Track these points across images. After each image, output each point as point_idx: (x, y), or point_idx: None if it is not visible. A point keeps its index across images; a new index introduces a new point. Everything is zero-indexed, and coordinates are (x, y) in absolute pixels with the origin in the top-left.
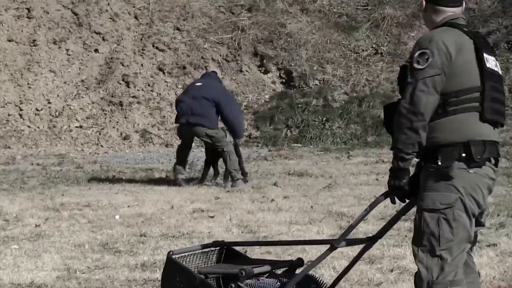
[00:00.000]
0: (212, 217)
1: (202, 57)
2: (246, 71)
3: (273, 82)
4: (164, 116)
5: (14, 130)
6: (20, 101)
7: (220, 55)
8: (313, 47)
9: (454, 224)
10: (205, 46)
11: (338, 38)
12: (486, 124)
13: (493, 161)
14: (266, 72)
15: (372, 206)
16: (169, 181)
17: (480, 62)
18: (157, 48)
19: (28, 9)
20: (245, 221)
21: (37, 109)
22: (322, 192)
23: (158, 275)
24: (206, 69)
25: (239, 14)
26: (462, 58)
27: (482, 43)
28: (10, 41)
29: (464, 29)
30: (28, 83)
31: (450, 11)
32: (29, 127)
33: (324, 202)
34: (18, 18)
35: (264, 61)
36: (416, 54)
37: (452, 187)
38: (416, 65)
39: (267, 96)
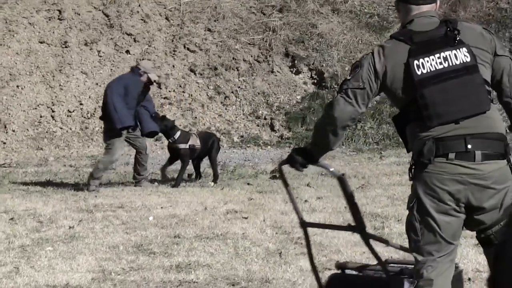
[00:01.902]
0: (246, 218)
1: (233, 58)
2: (278, 71)
3: (305, 83)
4: (195, 117)
5: (46, 132)
6: (52, 102)
7: (251, 56)
8: (344, 48)
9: (417, 224)
10: (236, 47)
11: (370, 38)
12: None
13: (452, 156)
14: (297, 72)
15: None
16: (202, 182)
17: (408, 72)
18: (188, 49)
19: (59, 11)
20: (279, 222)
21: (69, 111)
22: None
23: (193, 276)
24: (238, 70)
25: (270, 14)
26: (392, 73)
27: (420, 47)
28: (41, 42)
29: (410, 35)
30: (60, 85)
31: (416, 9)
32: (61, 128)
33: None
34: (50, 19)
35: (296, 61)
36: (352, 65)
37: (413, 188)
38: (347, 76)
39: (298, 97)
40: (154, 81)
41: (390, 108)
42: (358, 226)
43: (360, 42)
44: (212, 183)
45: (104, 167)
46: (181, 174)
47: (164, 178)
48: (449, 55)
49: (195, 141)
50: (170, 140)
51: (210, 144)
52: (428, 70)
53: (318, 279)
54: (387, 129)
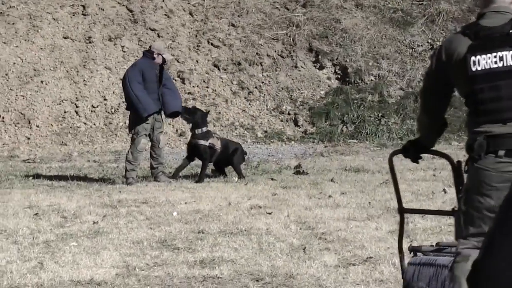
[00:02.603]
0: (270, 213)
1: (257, 53)
2: (301, 67)
3: (328, 78)
4: (219, 112)
5: (70, 127)
6: (76, 98)
7: (275, 51)
8: (368, 43)
9: (462, 216)
10: (260, 42)
11: (393, 33)
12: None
13: (501, 153)
14: (321, 68)
15: None
16: (226, 178)
17: (465, 67)
18: (212, 44)
19: (83, 6)
20: (303, 217)
21: (93, 106)
22: (379, 188)
23: (217, 271)
24: (261, 65)
25: (294, 10)
26: (454, 66)
27: (480, 43)
28: (65, 38)
29: (476, 30)
30: (84, 80)
31: (491, 3)
32: (85, 124)
33: (381, 198)
34: (74, 15)
35: (319, 57)
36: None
37: (466, 181)
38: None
39: (322, 92)
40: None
41: (414, 104)
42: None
43: (383, 37)
44: (236, 179)
45: (134, 158)
46: (204, 171)
47: (175, 177)
48: (506, 55)
49: (215, 142)
50: (192, 132)
51: (231, 151)
52: (483, 68)
53: (402, 264)
54: (411, 124)
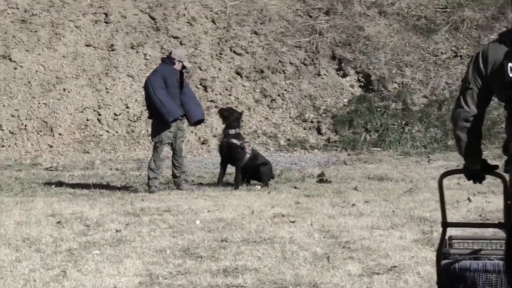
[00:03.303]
0: (293, 222)
1: (279, 61)
2: (324, 74)
3: (352, 86)
4: (242, 120)
5: (93, 135)
6: (99, 106)
7: (298, 59)
8: (391, 50)
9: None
10: (282, 49)
11: (417, 41)
12: None
13: None
14: (344, 75)
15: None
16: (249, 186)
17: (502, 73)
18: (234, 52)
19: (106, 14)
20: (326, 226)
21: (115, 114)
22: (403, 196)
23: (240, 280)
24: (284, 73)
25: (317, 17)
26: (492, 72)
27: None
28: (88, 46)
29: None
30: (106, 88)
31: None
32: (107, 132)
33: (405, 207)
34: (96, 23)
35: (342, 64)
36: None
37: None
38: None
39: (345, 100)
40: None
41: (438, 111)
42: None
43: (407, 44)
44: (259, 187)
45: (157, 166)
46: (238, 173)
47: (220, 184)
48: None
49: (246, 146)
50: (225, 132)
51: (260, 163)
52: None
53: (438, 267)
54: (435, 132)
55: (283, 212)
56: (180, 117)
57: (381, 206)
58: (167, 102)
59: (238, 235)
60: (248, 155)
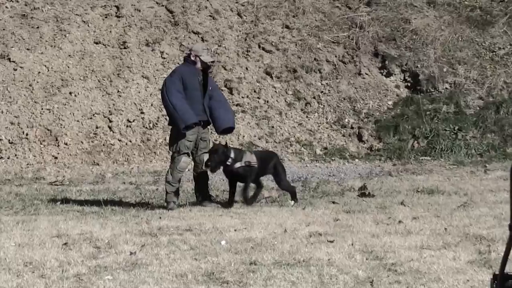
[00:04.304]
0: (332, 241)
1: (315, 59)
2: (366, 74)
3: (397, 86)
4: (272, 127)
5: (103, 145)
6: (110, 111)
7: (336, 56)
8: (442, 46)
9: None
10: (318, 46)
11: (471, 34)
12: None
13: None
14: (388, 74)
15: None
16: (280, 202)
17: None
18: (263, 49)
19: (117, 7)
20: (369, 246)
21: (128, 121)
22: (456, 211)
23: None
24: (320, 72)
25: (357, 9)
26: None
27: None
28: (97, 43)
29: None
30: (118, 91)
31: None
32: (120, 140)
33: (459, 224)
34: (106, 17)
35: (386, 62)
36: None
37: None
38: None
39: (390, 103)
40: (210, 63)
41: (495, 115)
42: None
43: (460, 39)
44: (292, 202)
45: (175, 179)
46: (247, 192)
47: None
48: None
49: (251, 158)
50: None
51: (272, 165)
52: None
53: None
54: (492, 138)
55: (320, 230)
56: (194, 124)
57: (432, 223)
58: (180, 107)
59: (269, 257)
60: (256, 166)
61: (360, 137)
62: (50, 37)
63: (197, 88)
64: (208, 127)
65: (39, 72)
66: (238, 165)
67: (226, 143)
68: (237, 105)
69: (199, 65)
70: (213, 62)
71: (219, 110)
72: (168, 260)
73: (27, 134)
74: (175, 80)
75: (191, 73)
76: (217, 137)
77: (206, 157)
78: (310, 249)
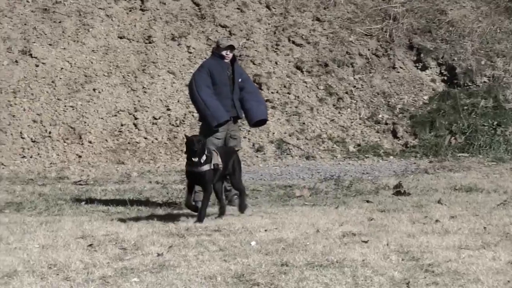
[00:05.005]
0: (366, 242)
1: (347, 52)
2: (400, 67)
3: (433, 80)
4: (303, 123)
5: (128, 143)
6: (135, 108)
7: (369, 49)
8: (479, 38)
9: None
10: (350, 39)
11: (510, 26)
12: None
13: None
14: (424, 68)
15: None
16: (313, 200)
17: None
18: (293, 42)
19: (142, 0)
20: (405, 246)
21: (154, 118)
22: (496, 210)
23: None
24: (353, 66)
25: (391, 0)
26: None
27: None
28: (121, 38)
29: None
30: (143, 87)
31: None
32: (145, 138)
33: (499, 223)
34: (130, 11)
35: (422, 55)
36: None
37: None
38: None
39: (425, 97)
40: (232, 49)
41: None
42: None
43: (498, 30)
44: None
45: None
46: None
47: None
48: None
49: (217, 160)
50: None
51: (231, 163)
52: None
53: None
54: None
55: (354, 230)
56: (225, 121)
57: (470, 222)
58: (211, 104)
59: (301, 258)
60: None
61: (394, 133)
62: (73, 32)
63: (226, 82)
64: (239, 122)
65: (61, 68)
66: (206, 167)
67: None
68: (266, 100)
69: (228, 58)
70: (230, 46)
71: (251, 102)
72: (197, 262)
73: (50, 132)
74: (204, 75)
75: (220, 67)
76: (246, 133)
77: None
78: (344, 250)
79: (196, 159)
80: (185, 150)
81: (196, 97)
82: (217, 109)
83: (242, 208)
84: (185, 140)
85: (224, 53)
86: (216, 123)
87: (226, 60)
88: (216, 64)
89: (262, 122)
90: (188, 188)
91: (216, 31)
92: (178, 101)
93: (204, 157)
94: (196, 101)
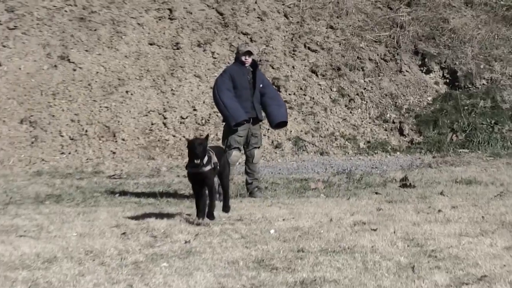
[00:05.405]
0: (375, 230)
1: (358, 57)
2: (406, 71)
3: (436, 83)
4: (318, 122)
5: (158, 140)
6: (164, 108)
7: (378, 55)
8: (479, 44)
9: None
10: (361, 45)
11: (507, 33)
12: None
13: None
14: (428, 71)
15: None
16: (326, 192)
17: None
18: (309, 48)
19: (170, 10)
20: (410, 234)
21: (182, 117)
22: (493, 201)
23: None
24: (363, 70)
25: (398, 9)
26: None
27: None
28: (151, 44)
29: None
30: (172, 89)
31: None
32: (174, 136)
33: (496, 212)
34: (160, 19)
35: (426, 60)
36: None
37: None
38: None
39: (429, 98)
40: (249, 55)
41: None
42: None
43: (496, 37)
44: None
45: None
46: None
47: None
48: None
49: (214, 158)
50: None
51: (222, 161)
52: None
53: None
54: None
55: (364, 219)
56: (244, 121)
57: (470, 212)
58: (230, 105)
59: (316, 245)
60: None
61: (401, 131)
62: (107, 39)
63: (246, 86)
64: (260, 123)
65: (97, 72)
66: (208, 167)
67: (207, 134)
68: (284, 101)
69: (248, 63)
70: (248, 52)
71: (272, 106)
72: (221, 248)
73: (86, 131)
74: (225, 79)
75: (241, 72)
76: (265, 131)
77: (257, 151)
78: (355, 237)
79: (198, 161)
80: (187, 153)
81: (217, 99)
82: (236, 110)
83: (226, 208)
84: (187, 143)
85: (243, 58)
86: (234, 123)
87: (246, 65)
88: (238, 69)
89: (283, 124)
90: (196, 195)
91: (238, 38)
92: (204, 102)
93: (206, 158)
94: (217, 103)
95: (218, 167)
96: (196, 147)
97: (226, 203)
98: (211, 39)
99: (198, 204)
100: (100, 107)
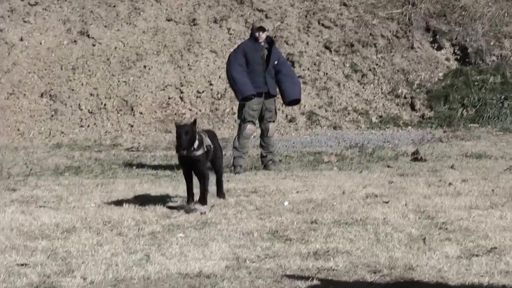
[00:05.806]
0: (387, 202)
1: (370, 34)
2: (418, 47)
3: (447, 59)
4: (331, 97)
5: (175, 114)
6: (181, 83)
7: (390, 31)
8: (489, 21)
9: None
10: (373, 22)
11: None
12: None
13: None
14: (439, 48)
15: None
16: (339, 165)
17: None
18: (323, 25)
19: None
20: (422, 206)
21: (198, 92)
22: (503, 174)
23: (332, 263)
24: (375, 46)
25: None
26: None
27: None
28: (169, 20)
29: None
30: (189, 64)
31: None
32: (190, 110)
33: (505, 185)
34: None
35: (437, 36)
36: None
37: None
38: None
39: (440, 74)
40: (263, 31)
41: None
42: None
43: (506, 14)
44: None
45: (241, 145)
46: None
47: None
48: None
49: (207, 141)
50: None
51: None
52: None
53: None
54: None
55: (376, 192)
56: (252, 96)
57: (480, 185)
58: (239, 80)
59: (329, 217)
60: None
61: (412, 106)
62: (126, 15)
63: (259, 62)
64: (275, 97)
65: (115, 48)
66: (200, 151)
67: (195, 119)
68: (298, 77)
69: (262, 40)
70: (260, 28)
71: (286, 83)
72: (236, 219)
73: (105, 105)
74: (238, 55)
75: (254, 48)
76: (279, 106)
77: (271, 125)
78: (367, 209)
79: (184, 152)
80: (175, 137)
81: (228, 74)
82: (244, 84)
83: (221, 194)
84: (175, 128)
85: (256, 34)
86: (241, 97)
87: (260, 41)
88: (251, 45)
89: (296, 101)
90: (186, 179)
91: (254, 14)
92: (219, 77)
93: (196, 143)
94: (228, 77)
95: (211, 149)
96: (182, 137)
97: (220, 189)
98: (227, 15)
99: (189, 189)
100: (119, 81)
